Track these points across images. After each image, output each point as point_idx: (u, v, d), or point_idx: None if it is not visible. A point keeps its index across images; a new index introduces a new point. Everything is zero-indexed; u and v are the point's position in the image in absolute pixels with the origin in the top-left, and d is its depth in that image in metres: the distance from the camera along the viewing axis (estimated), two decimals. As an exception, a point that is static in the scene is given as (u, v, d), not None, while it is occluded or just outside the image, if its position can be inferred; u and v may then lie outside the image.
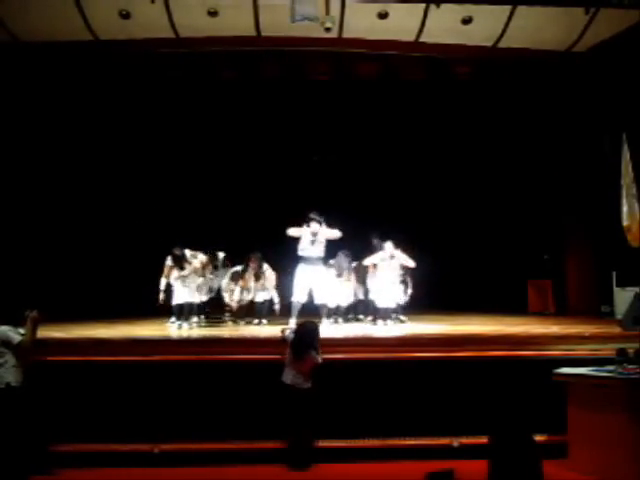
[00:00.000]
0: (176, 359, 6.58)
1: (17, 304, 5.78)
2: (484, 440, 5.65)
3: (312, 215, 8.68)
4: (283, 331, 6.48)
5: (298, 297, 8.59)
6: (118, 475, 5.92)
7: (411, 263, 8.88)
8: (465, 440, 6.29)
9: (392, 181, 12.11)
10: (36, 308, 5.60)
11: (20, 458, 5.30)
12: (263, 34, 9.71)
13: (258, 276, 9.28)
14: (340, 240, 9.01)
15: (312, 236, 8.60)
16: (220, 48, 10.11)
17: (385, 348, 6.81)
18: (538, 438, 5.80)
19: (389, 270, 8.85)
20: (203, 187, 11.92)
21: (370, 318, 9.39)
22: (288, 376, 6.06)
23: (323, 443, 6.22)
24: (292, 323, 8.23)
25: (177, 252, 8.79)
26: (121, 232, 11.41)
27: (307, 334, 6.12)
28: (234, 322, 9.52)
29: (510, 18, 9.24)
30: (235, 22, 9.38)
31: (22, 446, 5.35)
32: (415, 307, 10.06)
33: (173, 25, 9.39)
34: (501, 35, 9.65)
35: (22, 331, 5.51)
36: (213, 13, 9.11)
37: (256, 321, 9.33)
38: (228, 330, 8.75)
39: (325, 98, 11.47)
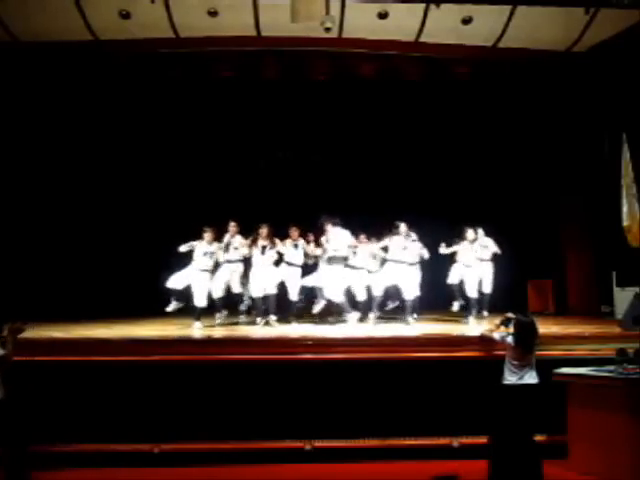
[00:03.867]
0: (176, 359, 6.58)
1: (17, 305, 5.79)
2: (484, 440, 5.72)
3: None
4: (492, 330, 6.16)
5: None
6: (118, 475, 5.93)
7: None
8: (465, 440, 6.30)
9: (391, 180, 12.10)
10: (17, 319, 5.54)
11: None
12: (263, 34, 9.71)
13: None
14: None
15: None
16: (220, 48, 10.11)
17: (385, 348, 6.80)
18: (538, 438, 5.85)
19: None
20: (203, 187, 11.91)
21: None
22: (521, 375, 5.63)
23: (323, 443, 6.24)
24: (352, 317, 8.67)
25: None
26: (121, 232, 11.38)
27: (530, 327, 5.70)
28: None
29: (510, 18, 9.22)
30: (235, 22, 9.37)
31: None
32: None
33: (173, 25, 9.39)
34: (501, 35, 9.64)
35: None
36: (213, 13, 9.10)
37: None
38: (225, 331, 8.74)
39: (325, 98, 11.46)
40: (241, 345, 7.13)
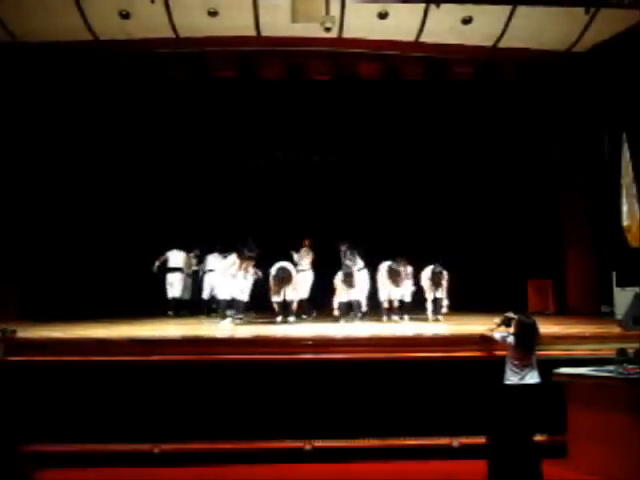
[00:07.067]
0: (176, 359, 6.57)
1: (17, 305, 5.79)
2: (484, 440, 5.72)
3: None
4: (492, 330, 6.17)
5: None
6: (118, 475, 5.93)
7: None
8: (465, 440, 6.29)
9: (392, 181, 12.11)
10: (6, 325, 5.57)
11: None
12: (263, 34, 9.71)
13: None
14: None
15: None
16: (220, 48, 10.12)
17: (385, 348, 6.80)
18: (538, 438, 5.85)
19: None
20: (202, 187, 11.92)
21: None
22: (523, 375, 5.63)
23: (323, 443, 6.24)
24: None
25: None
26: (121, 232, 11.40)
27: (531, 328, 5.68)
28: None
29: (510, 18, 9.23)
30: (235, 22, 9.38)
31: None
32: (416, 307, 10.06)
33: (173, 25, 9.39)
34: (501, 35, 9.65)
35: None
36: (213, 13, 9.10)
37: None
38: (225, 331, 8.73)
39: (325, 98, 11.47)
40: (241, 345, 7.13)
